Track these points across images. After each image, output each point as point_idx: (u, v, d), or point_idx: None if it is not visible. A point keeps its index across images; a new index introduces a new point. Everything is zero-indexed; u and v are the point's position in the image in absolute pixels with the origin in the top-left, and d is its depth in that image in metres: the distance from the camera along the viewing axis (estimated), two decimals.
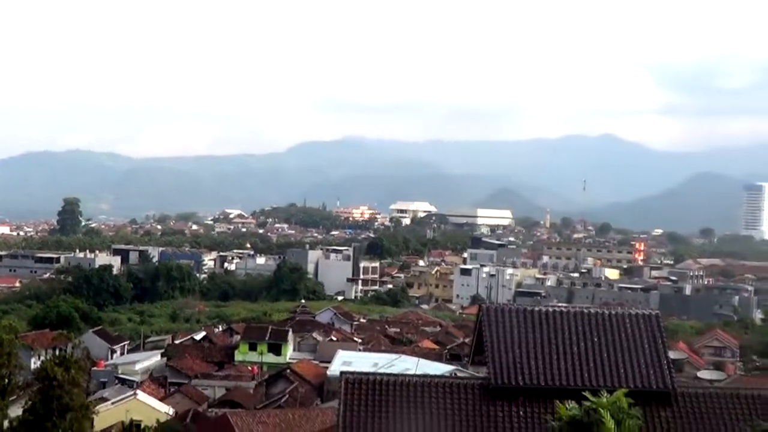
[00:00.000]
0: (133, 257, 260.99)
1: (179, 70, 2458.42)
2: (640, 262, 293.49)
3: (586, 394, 19.91)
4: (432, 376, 42.39)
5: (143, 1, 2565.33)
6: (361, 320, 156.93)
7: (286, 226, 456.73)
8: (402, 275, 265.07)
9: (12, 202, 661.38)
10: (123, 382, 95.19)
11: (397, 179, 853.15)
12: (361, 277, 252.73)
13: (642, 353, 35.94)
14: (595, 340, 36.16)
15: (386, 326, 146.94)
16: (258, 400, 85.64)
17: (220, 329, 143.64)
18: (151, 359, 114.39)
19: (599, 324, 36.82)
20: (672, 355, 39.43)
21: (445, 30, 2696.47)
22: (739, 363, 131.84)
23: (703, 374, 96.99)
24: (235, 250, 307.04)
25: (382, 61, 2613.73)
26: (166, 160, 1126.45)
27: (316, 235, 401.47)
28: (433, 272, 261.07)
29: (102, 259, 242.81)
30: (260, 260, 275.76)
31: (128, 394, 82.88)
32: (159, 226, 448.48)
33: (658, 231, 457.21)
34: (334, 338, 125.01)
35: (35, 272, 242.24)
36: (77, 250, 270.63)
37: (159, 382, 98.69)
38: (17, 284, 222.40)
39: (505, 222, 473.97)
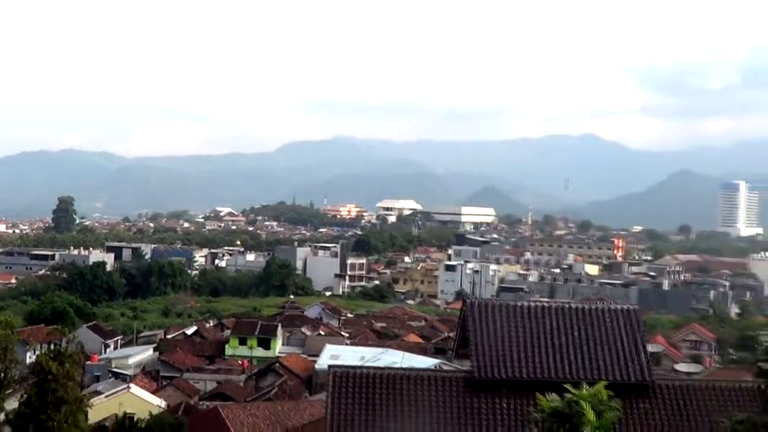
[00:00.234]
0: (126, 254, 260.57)
1: (171, 71, 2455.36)
2: (620, 259, 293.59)
3: (567, 386, 19.94)
4: (417, 369, 42.48)
5: (137, 4, 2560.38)
6: (349, 315, 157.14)
7: (275, 223, 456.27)
8: (388, 271, 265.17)
9: (8, 201, 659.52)
10: (116, 375, 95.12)
11: (385, 178, 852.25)
12: (349, 273, 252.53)
13: (621, 347, 36.01)
14: (576, 334, 36.22)
15: (373, 321, 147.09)
16: (248, 393, 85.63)
17: (211, 324, 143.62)
18: (144, 353, 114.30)
19: (580, 318, 36.88)
20: (650, 348, 39.56)
21: (434, 33, 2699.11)
22: (715, 356, 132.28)
23: (681, 367, 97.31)
24: (225, 247, 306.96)
25: (372, 62, 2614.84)
26: (159, 159, 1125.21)
27: (304, 232, 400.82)
28: (419, 268, 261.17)
29: (96, 256, 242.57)
30: (250, 257, 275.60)
31: (121, 387, 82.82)
32: (151, 224, 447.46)
33: (638, 228, 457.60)
34: (322, 333, 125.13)
35: (31, 269, 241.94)
36: (72, 248, 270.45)
37: (151, 376, 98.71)
38: (13, 281, 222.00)
39: (489, 219, 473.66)
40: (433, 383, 35.28)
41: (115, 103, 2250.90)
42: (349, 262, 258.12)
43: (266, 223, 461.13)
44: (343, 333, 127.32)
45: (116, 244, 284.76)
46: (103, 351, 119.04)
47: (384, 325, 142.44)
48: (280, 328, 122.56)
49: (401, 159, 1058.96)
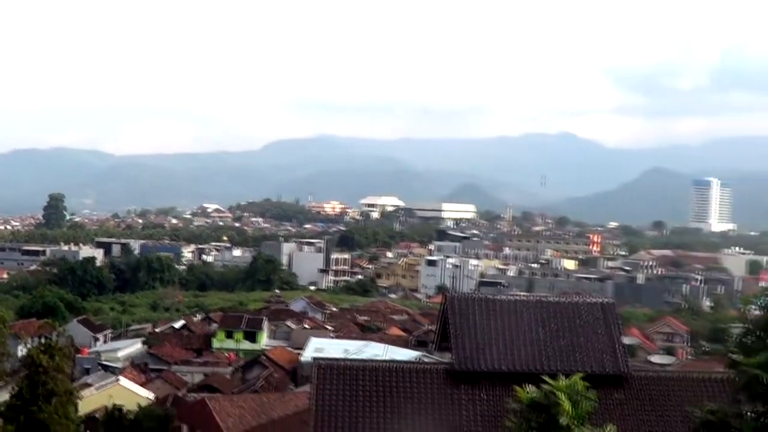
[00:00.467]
0: (116, 250, 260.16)
1: (160, 71, 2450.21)
2: (596, 254, 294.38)
3: (545, 378, 19.98)
4: (399, 361, 42.43)
5: (127, 6, 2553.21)
6: (333, 309, 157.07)
7: (261, 220, 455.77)
8: (371, 266, 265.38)
9: (0, 197, 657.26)
10: (106, 368, 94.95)
11: (367, 176, 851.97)
12: (333, 268, 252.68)
13: (597, 339, 36.08)
14: (554, 327, 36.26)
15: (356, 315, 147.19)
16: (235, 385, 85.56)
17: (199, 318, 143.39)
18: (133, 347, 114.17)
19: (557, 312, 36.93)
20: (625, 340, 39.52)
21: (414, 34, 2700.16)
22: (688, 348, 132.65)
23: (655, 359, 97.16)
24: (212, 243, 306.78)
25: (354, 62, 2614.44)
26: (147, 157, 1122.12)
27: (289, 228, 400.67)
28: (401, 263, 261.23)
29: (85, 251, 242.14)
30: (236, 252, 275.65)
31: (111, 379, 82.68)
32: (140, 220, 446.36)
33: (613, 224, 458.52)
34: (307, 326, 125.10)
35: (22, 264, 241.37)
36: (62, 243, 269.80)
37: (140, 369, 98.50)
38: (5, 276, 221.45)
39: (469, 216, 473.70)
40: (415, 375, 35.29)
41: (105, 103, 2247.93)
42: (333, 257, 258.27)
43: (252, 219, 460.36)
44: (327, 326, 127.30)
45: (106, 239, 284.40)
46: (92, 344, 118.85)
47: (367, 318, 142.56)
48: (265, 321, 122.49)
49: (383, 157, 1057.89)
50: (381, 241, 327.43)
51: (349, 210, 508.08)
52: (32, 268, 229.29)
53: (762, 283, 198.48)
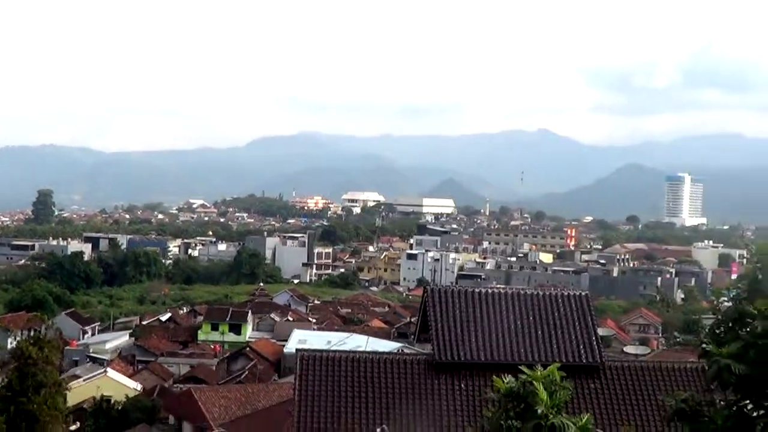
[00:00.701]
0: (103, 244, 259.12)
1: (146, 70, 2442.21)
2: (572, 247, 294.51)
3: (522, 368, 19.95)
4: (381, 352, 42.45)
5: (113, 5, 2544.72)
6: (316, 302, 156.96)
7: (245, 215, 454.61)
8: (353, 260, 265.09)
9: None
10: (94, 360, 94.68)
11: (349, 172, 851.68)
12: (316, 262, 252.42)
13: (573, 330, 36.16)
14: (531, 318, 36.31)
15: (338, 307, 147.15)
16: (220, 376, 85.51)
17: (185, 311, 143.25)
18: (120, 339, 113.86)
19: (534, 304, 36.99)
20: (601, 331, 39.66)
21: (395, 33, 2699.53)
22: (661, 339, 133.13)
23: (629, 349, 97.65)
24: (198, 238, 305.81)
25: (337, 61, 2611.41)
26: (134, 154, 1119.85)
27: (273, 223, 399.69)
28: (382, 257, 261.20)
29: (74, 246, 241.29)
30: (221, 247, 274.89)
31: (99, 371, 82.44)
32: (127, 216, 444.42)
33: (589, 218, 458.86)
34: (291, 318, 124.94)
35: (11, 259, 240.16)
36: (51, 238, 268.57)
37: (128, 360, 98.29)
38: None
39: (449, 210, 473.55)
40: (396, 366, 35.32)
41: (94, 101, 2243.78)
42: (316, 251, 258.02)
43: (237, 214, 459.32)
44: (310, 319, 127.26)
45: (93, 234, 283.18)
46: (81, 337, 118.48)
47: (349, 311, 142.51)
48: (250, 314, 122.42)
49: (364, 153, 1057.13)
50: (363, 235, 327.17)
51: (331, 205, 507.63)
52: (21, 262, 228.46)
53: (732, 276, 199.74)
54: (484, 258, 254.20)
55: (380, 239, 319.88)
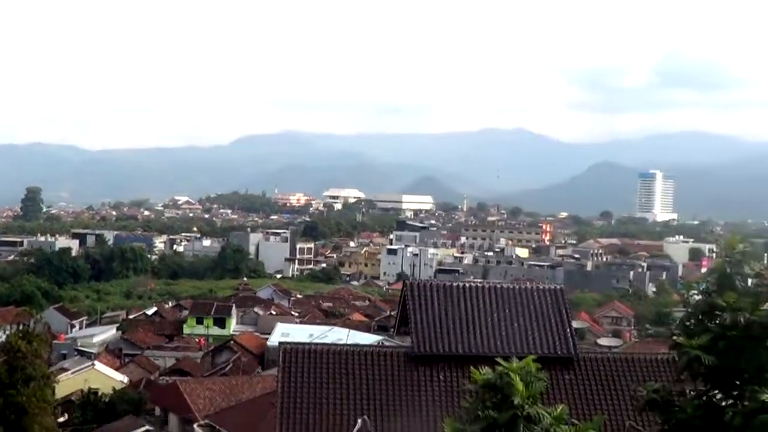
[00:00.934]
0: (91, 240, 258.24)
1: (132, 69, 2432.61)
2: (547, 242, 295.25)
3: (499, 360, 20.02)
4: (361, 345, 42.46)
5: (98, 4, 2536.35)
6: (298, 296, 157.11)
7: (229, 211, 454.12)
8: (334, 255, 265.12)
9: None
10: (81, 353, 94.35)
11: (330, 169, 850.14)
12: (298, 257, 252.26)
13: (548, 323, 36.23)
14: (507, 311, 36.37)
15: (320, 301, 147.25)
16: (205, 369, 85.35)
17: (170, 305, 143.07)
18: (107, 333, 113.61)
19: (511, 297, 37.04)
20: (575, 324, 39.77)
21: (373, 34, 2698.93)
22: (634, 331, 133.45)
23: (603, 341, 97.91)
24: (183, 234, 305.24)
25: (318, 61, 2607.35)
26: (121, 152, 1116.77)
27: (256, 219, 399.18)
28: (363, 252, 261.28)
29: (62, 242, 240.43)
30: (206, 242, 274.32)
31: (86, 364, 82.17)
32: (114, 212, 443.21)
33: (564, 214, 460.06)
34: (274, 312, 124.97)
35: (0, 255, 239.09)
36: (39, 235, 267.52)
37: (114, 354, 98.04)
38: None
39: (427, 207, 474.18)
40: (376, 358, 35.34)
41: (81, 100, 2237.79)
42: (298, 246, 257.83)
43: (221, 211, 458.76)
44: (293, 312, 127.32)
45: (81, 231, 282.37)
46: (69, 331, 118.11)
47: (331, 305, 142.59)
48: (234, 308, 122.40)
49: (345, 151, 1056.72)
50: (344, 231, 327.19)
51: (313, 202, 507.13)
52: (10, 258, 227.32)
53: (702, 270, 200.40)
54: (462, 253, 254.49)
55: (361, 235, 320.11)
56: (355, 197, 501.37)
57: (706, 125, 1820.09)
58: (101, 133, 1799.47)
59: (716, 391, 21.30)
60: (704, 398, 21.36)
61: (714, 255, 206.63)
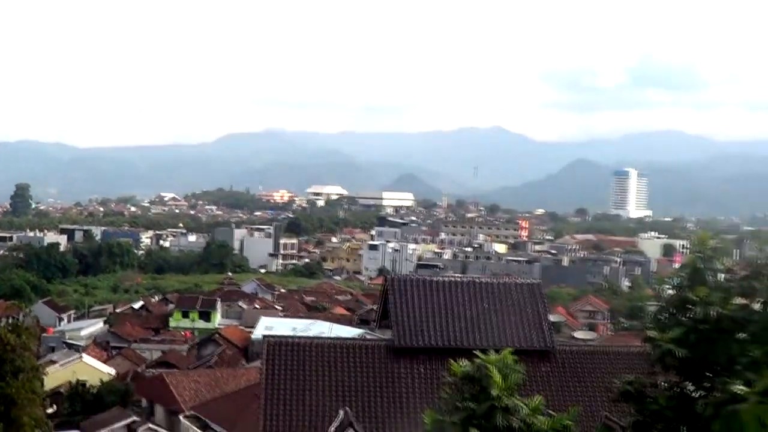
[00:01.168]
0: (79, 236, 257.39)
1: (117, 68, 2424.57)
2: (525, 238, 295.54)
3: (477, 352, 20.08)
4: (343, 338, 42.60)
5: (83, 4, 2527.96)
6: (282, 290, 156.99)
7: (214, 207, 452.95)
8: (317, 251, 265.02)
9: None
10: (70, 346, 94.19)
11: (313, 167, 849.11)
12: (281, 252, 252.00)
13: (526, 317, 36.31)
14: (486, 305, 36.43)
15: (303, 295, 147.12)
16: (190, 362, 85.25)
17: (156, 299, 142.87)
18: (95, 326, 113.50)
19: (489, 292, 37.10)
20: (552, 318, 39.94)
21: (355, 35, 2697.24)
22: (608, 324, 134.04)
23: (578, 334, 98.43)
24: (169, 229, 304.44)
25: (301, 61, 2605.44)
26: (108, 149, 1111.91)
27: (241, 215, 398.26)
28: (345, 248, 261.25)
29: (50, 237, 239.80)
30: (192, 238, 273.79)
31: (74, 357, 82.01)
32: (101, 208, 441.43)
33: (540, 211, 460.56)
34: (258, 306, 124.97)
35: None
36: (28, 230, 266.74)
37: (102, 347, 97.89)
38: None
39: (408, 203, 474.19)
40: (358, 351, 35.38)
41: (69, 98, 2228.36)
42: (281, 242, 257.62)
43: (206, 207, 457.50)
44: (276, 306, 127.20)
45: (69, 226, 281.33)
46: (57, 324, 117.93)
47: (313, 299, 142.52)
48: (219, 302, 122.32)
49: (327, 149, 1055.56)
50: (326, 227, 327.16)
51: (296, 198, 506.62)
52: (0, 253, 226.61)
53: (675, 265, 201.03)
54: (442, 248, 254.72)
55: (343, 231, 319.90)
56: (337, 194, 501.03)
57: (681, 125, 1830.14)
58: (89, 130, 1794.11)
59: (688, 383, 21.41)
60: (676, 389, 21.47)
61: (686, 251, 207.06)
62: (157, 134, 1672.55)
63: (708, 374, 21.09)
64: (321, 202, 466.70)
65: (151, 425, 61.49)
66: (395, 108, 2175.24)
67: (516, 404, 19.03)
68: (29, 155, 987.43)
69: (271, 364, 34.48)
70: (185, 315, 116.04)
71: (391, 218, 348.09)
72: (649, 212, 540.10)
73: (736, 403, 19.73)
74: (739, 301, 21.05)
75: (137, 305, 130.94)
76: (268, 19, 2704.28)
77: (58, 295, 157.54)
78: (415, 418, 30.27)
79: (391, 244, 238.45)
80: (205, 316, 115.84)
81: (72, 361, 79.39)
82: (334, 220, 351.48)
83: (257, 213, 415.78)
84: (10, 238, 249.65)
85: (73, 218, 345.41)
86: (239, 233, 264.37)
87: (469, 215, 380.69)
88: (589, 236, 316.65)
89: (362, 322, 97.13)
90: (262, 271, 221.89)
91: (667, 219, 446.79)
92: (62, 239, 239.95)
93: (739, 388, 17.21)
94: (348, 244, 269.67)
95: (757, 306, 20.64)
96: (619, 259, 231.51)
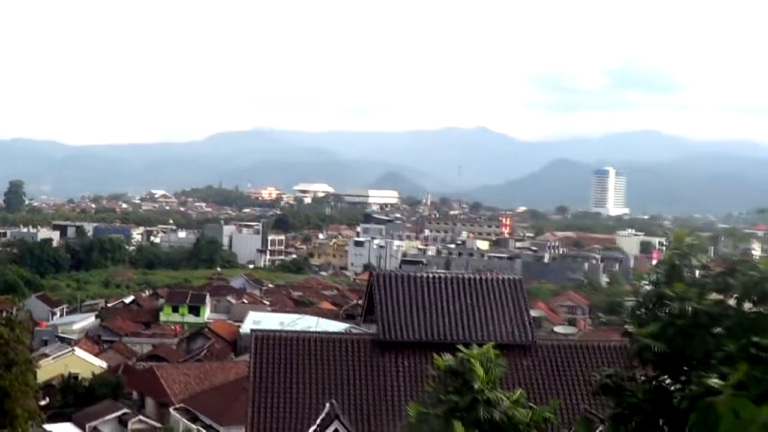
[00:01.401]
0: (71, 232, 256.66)
1: (109, 66, 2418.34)
2: (507, 235, 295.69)
3: (460, 346, 20.12)
4: (330, 332, 42.56)
5: (72, 3, 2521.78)
6: (269, 285, 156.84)
7: (204, 204, 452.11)
8: (304, 247, 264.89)
9: None
10: (62, 340, 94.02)
11: (300, 165, 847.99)
12: (269, 248, 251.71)
13: (507, 312, 36.38)
14: (468, 301, 36.49)
15: (291, 291, 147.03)
16: (180, 355, 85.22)
17: (147, 294, 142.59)
18: (87, 320, 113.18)
19: (471, 287, 37.16)
20: (533, 313, 39.99)
21: (340, 36, 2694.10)
22: (588, 319, 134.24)
23: (559, 329, 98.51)
24: (159, 226, 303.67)
25: (288, 61, 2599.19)
26: (100, 147, 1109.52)
27: (230, 212, 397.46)
28: (331, 244, 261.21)
29: (43, 233, 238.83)
30: (182, 234, 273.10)
31: (67, 350, 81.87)
32: (93, 205, 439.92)
33: (522, 209, 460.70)
34: (246, 301, 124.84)
35: None
36: (21, 226, 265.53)
37: (94, 340, 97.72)
38: None
39: (393, 201, 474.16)
40: (344, 345, 35.41)
41: (61, 96, 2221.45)
42: (269, 238, 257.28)
43: (196, 204, 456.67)
44: (264, 301, 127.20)
45: (62, 222, 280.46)
46: (50, 318, 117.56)
47: (301, 294, 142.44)
48: (208, 297, 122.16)
49: (314, 148, 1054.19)
50: (313, 223, 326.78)
51: (284, 196, 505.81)
52: None
53: (653, 261, 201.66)
54: (426, 245, 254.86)
55: (329, 227, 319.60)
56: (324, 192, 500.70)
57: (658, 125, 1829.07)
58: (82, 129, 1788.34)
59: (665, 377, 21.45)
60: (654, 383, 21.51)
61: (663, 248, 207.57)
62: (148, 132, 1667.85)
63: (684, 368, 21.14)
64: (308, 200, 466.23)
65: (141, 417, 61.51)
66: (380, 107, 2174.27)
67: (498, 397, 19.09)
68: (23, 153, 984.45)
69: (259, 357, 34.49)
70: (175, 309, 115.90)
71: (376, 215, 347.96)
72: (627, 210, 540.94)
73: (711, 396, 19.77)
74: (714, 296, 21.11)
75: (128, 300, 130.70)
76: (257, 18, 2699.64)
77: (51, 289, 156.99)
78: (400, 411, 30.34)
79: (376, 241, 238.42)
80: (195, 310, 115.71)
81: (64, 355, 79.25)
82: (320, 217, 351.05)
83: (246, 210, 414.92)
84: (4, 234, 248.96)
85: (65, 215, 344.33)
86: (228, 230, 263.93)
87: (453, 213, 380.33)
88: (570, 233, 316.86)
89: (348, 317, 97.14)
90: (251, 266, 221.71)
91: (644, 217, 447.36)
92: (55, 235, 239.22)
93: (715, 381, 17.27)
94: (334, 240, 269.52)
95: (732, 302, 20.70)
96: (598, 256, 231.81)
